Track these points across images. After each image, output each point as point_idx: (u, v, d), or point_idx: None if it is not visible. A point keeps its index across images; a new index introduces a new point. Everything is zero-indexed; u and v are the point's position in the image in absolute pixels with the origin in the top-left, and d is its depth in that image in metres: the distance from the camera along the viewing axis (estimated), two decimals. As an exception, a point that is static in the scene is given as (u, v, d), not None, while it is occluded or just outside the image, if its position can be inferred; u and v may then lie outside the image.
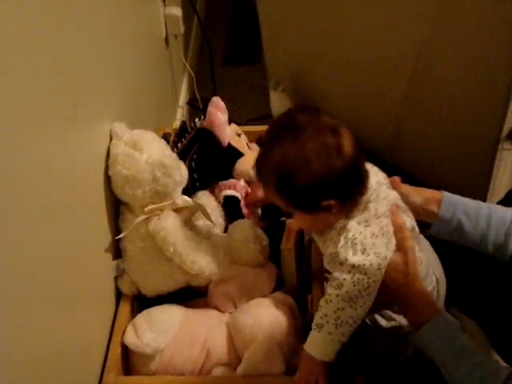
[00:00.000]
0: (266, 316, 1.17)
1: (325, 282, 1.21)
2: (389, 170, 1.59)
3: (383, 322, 1.18)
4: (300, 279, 1.29)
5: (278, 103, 1.88)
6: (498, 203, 1.40)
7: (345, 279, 0.98)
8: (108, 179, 1.19)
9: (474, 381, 0.94)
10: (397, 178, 1.11)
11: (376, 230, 1.00)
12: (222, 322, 1.21)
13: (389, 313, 1.17)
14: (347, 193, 0.98)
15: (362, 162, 1.00)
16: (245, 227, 1.29)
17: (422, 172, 1.61)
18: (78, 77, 1.05)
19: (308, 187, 0.95)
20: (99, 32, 1.18)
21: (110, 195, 1.21)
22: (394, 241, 1.02)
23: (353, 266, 0.98)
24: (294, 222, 1.11)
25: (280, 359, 1.13)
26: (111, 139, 1.20)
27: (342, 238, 1.00)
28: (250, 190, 1.43)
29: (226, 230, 1.36)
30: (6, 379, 0.81)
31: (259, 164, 1.01)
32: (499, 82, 1.34)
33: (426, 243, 1.18)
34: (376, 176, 1.05)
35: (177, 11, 1.77)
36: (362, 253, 0.98)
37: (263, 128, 1.55)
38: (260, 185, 1.06)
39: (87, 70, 1.10)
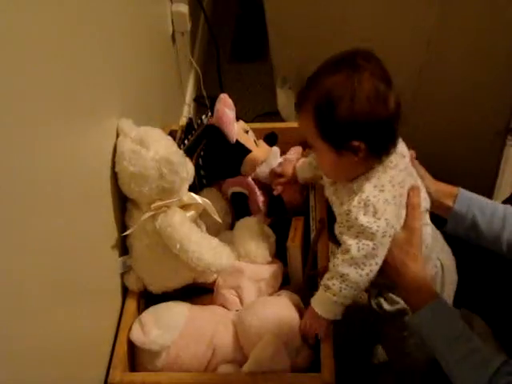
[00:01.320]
0: (271, 316, 1.17)
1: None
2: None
3: (387, 306, 1.19)
4: (306, 276, 1.29)
5: (285, 100, 1.88)
6: (504, 201, 1.39)
7: (351, 244, 1.02)
8: (115, 176, 1.19)
9: (468, 366, 0.95)
10: (413, 153, 1.13)
11: (389, 197, 1.02)
12: (228, 319, 1.21)
13: (393, 296, 1.18)
14: (378, 142, 1.00)
15: (398, 122, 1.01)
16: (251, 224, 1.29)
17: (430, 168, 1.60)
18: (85, 74, 1.05)
19: (345, 121, 0.97)
20: (106, 29, 1.18)
21: (116, 192, 1.21)
22: (403, 214, 1.05)
23: (361, 227, 1.01)
24: (316, 157, 1.10)
25: (286, 358, 1.13)
26: (118, 136, 1.20)
27: (356, 198, 1.02)
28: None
29: (232, 226, 1.36)
30: (12, 375, 0.81)
31: (309, 83, 1.02)
32: (507, 78, 1.33)
33: (435, 230, 1.18)
34: (401, 147, 1.08)
35: (183, 8, 1.77)
36: (373, 215, 1.01)
37: (270, 125, 1.56)
38: (298, 109, 1.05)
39: (94, 66, 1.10)
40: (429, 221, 1.13)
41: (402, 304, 1.15)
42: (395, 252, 1.04)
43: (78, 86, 1.02)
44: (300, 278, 1.29)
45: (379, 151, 1.01)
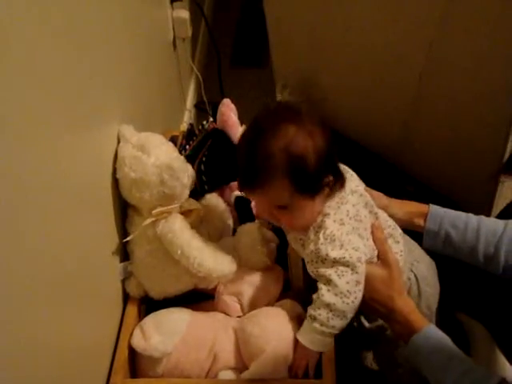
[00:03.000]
0: (272, 327, 1.16)
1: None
2: (397, 175, 1.59)
3: (367, 324, 1.20)
4: (307, 283, 1.28)
5: (286, 106, 1.88)
6: (507, 206, 1.39)
7: (330, 274, 1.03)
8: (115, 182, 1.19)
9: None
10: (371, 191, 1.16)
11: (349, 229, 1.05)
12: (229, 325, 1.21)
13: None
14: (337, 170, 1.06)
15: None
16: (252, 230, 1.29)
17: (430, 177, 1.60)
18: (85, 79, 1.05)
19: (316, 167, 1.00)
20: (107, 35, 1.19)
21: (117, 198, 1.21)
22: (371, 243, 1.09)
23: (334, 261, 1.03)
24: (284, 217, 1.08)
25: (285, 370, 1.14)
26: (119, 142, 1.20)
27: (320, 236, 1.04)
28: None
29: (234, 232, 1.36)
30: (13, 381, 0.81)
31: (260, 157, 1.00)
32: (507, 83, 1.33)
33: (410, 242, 1.20)
34: (351, 182, 1.10)
35: (184, 14, 1.77)
36: (340, 248, 1.03)
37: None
38: (256, 186, 1.04)
39: (94, 72, 1.10)
40: (398, 239, 1.16)
41: (381, 322, 1.17)
42: (380, 288, 1.06)
43: (79, 91, 1.02)
44: (301, 284, 1.29)
45: (340, 177, 1.06)
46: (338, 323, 1.05)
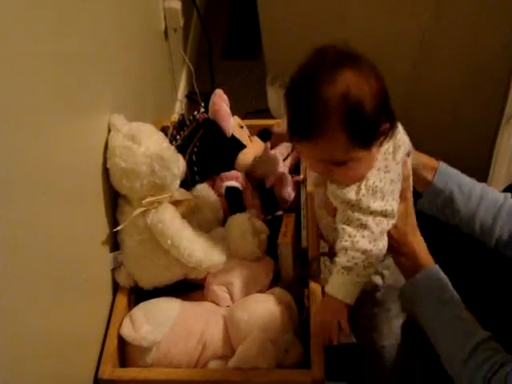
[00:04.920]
0: (261, 312, 1.17)
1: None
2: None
3: None
4: (296, 274, 1.29)
5: (275, 99, 1.88)
6: (505, 190, 1.39)
7: (367, 220, 1.00)
8: (106, 171, 1.19)
9: (454, 332, 0.96)
10: None
11: (395, 176, 1.02)
12: (218, 315, 1.22)
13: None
14: (392, 115, 0.99)
15: None
16: (242, 221, 1.29)
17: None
18: (76, 69, 1.05)
19: (375, 112, 0.93)
20: (98, 25, 1.18)
21: (108, 188, 1.20)
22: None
23: (375, 211, 1.00)
24: (338, 172, 1.00)
25: (271, 355, 1.13)
26: (109, 131, 1.20)
27: (362, 186, 1.00)
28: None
29: (225, 222, 1.37)
30: (1, 370, 0.81)
31: (312, 104, 0.93)
32: (498, 75, 1.34)
33: None
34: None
35: (176, 4, 1.77)
36: (382, 199, 1.00)
37: (263, 122, 1.56)
38: (309, 140, 0.96)
39: (86, 62, 1.10)
40: None
41: (377, 279, 1.17)
42: (397, 222, 1.04)
43: (70, 81, 1.02)
44: (290, 275, 1.29)
45: (394, 123, 1.00)
46: (371, 272, 1.03)
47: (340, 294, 1.02)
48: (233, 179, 1.39)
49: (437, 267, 1.02)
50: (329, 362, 1.13)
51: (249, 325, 1.15)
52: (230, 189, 1.39)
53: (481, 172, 1.56)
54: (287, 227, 1.28)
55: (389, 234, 1.04)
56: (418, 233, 1.06)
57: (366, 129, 0.94)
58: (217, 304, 1.25)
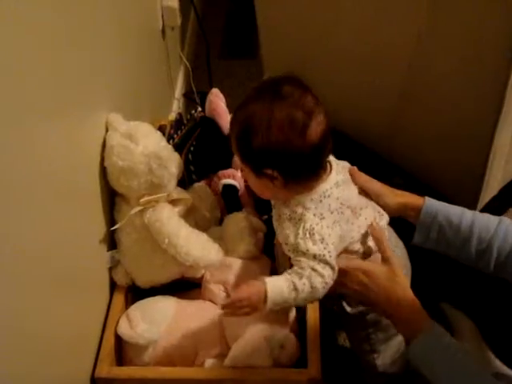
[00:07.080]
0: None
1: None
2: (386, 167, 1.59)
3: (349, 309, 1.20)
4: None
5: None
6: (492, 199, 1.40)
7: (313, 265, 1.00)
8: (104, 170, 1.19)
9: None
10: (355, 169, 1.14)
11: (330, 223, 1.04)
12: (215, 313, 1.22)
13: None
14: (293, 173, 1.01)
15: (323, 153, 1.03)
16: (240, 219, 1.29)
17: (419, 169, 1.61)
18: (74, 68, 1.05)
19: (259, 150, 0.99)
20: (96, 23, 1.18)
21: (105, 186, 1.21)
22: (359, 223, 1.08)
23: (315, 255, 1.01)
24: (246, 176, 1.13)
25: (266, 353, 1.14)
26: (107, 130, 1.20)
27: (300, 230, 1.02)
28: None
29: (221, 221, 1.37)
30: (-1, 369, 0.82)
31: (236, 110, 1.05)
32: (495, 75, 1.34)
33: (394, 236, 1.20)
34: (336, 175, 1.08)
35: (173, 3, 1.76)
36: (321, 242, 1.01)
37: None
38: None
39: (83, 61, 1.10)
40: (389, 228, 1.16)
41: (362, 307, 1.17)
42: (386, 285, 1.04)
43: (67, 80, 1.02)
44: (287, 274, 1.29)
45: (297, 180, 1.02)
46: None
47: (273, 297, 1.00)
48: (230, 177, 1.40)
49: (432, 332, 1.00)
50: (327, 365, 1.14)
51: (243, 323, 1.15)
52: (227, 186, 1.39)
53: (477, 171, 1.56)
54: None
55: (379, 295, 1.04)
56: (409, 291, 1.05)
57: (248, 155, 1.02)
58: (213, 303, 1.26)
